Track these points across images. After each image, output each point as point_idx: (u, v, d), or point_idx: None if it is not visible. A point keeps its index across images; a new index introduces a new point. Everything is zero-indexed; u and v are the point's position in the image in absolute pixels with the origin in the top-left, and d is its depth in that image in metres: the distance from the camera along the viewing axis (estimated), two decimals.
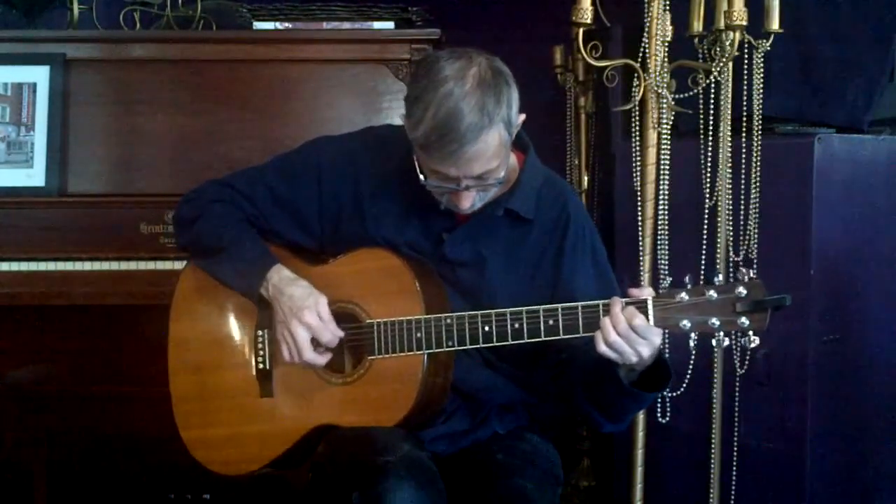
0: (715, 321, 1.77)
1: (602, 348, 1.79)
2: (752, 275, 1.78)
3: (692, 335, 1.79)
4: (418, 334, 1.92)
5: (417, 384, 1.92)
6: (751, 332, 1.77)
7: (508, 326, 1.87)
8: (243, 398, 2.08)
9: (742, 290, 1.76)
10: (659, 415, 2.67)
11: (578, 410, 2.00)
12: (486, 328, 1.88)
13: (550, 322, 1.84)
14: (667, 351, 2.65)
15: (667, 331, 1.86)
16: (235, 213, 2.09)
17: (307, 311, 1.95)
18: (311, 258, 2.08)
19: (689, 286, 1.79)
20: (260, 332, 2.07)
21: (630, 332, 1.77)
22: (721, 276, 1.80)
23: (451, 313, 1.91)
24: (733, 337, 1.79)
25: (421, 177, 1.91)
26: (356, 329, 1.98)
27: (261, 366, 2.07)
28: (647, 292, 1.81)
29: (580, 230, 2.04)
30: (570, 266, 2.01)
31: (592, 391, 1.93)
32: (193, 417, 2.13)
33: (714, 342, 1.79)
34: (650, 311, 1.79)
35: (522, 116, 1.94)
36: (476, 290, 2.00)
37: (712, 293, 1.77)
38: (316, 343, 1.97)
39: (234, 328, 2.11)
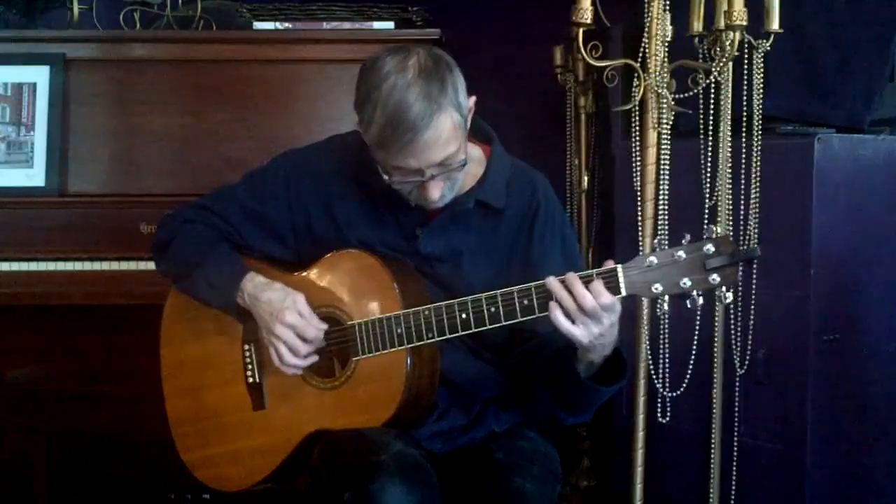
0: (686, 281, 1.76)
1: (560, 320, 1.77)
2: (718, 231, 1.77)
3: (665, 298, 1.79)
4: (398, 330, 1.92)
5: (403, 380, 1.92)
6: (723, 288, 1.76)
7: (485, 311, 1.87)
8: (237, 414, 2.09)
9: (710, 247, 1.75)
10: (659, 415, 2.67)
11: (539, 403, 2.01)
12: (464, 315, 1.88)
13: (525, 302, 1.84)
14: (668, 349, 2.65)
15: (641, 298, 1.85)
16: (208, 232, 2.10)
17: (287, 312, 1.96)
18: (289, 267, 2.09)
19: (657, 250, 1.79)
20: (247, 346, 2.08)
21: (596, 307, 1.76)
22: (688, 237, 1.79)
23: (429, 305, 1.92)
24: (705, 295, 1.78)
25: (385, 177, 1.91)
26: (339, 332, 1.99)
27: (250, 379, 2.08)
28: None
29: (549, 216, 2.05)
30: (540, 252, 2.02)
31: (553, 384, 1.94)
32: (191, 439, 2.14)
33: (688, 303, 1.78)
34: (621, 279, 1.79)
35: (472, 99, 1.95)
36: (454, 284, 2.00)
37: (681, 253, 1.76)
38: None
39: (222, 346, 2.11)
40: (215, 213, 2.11)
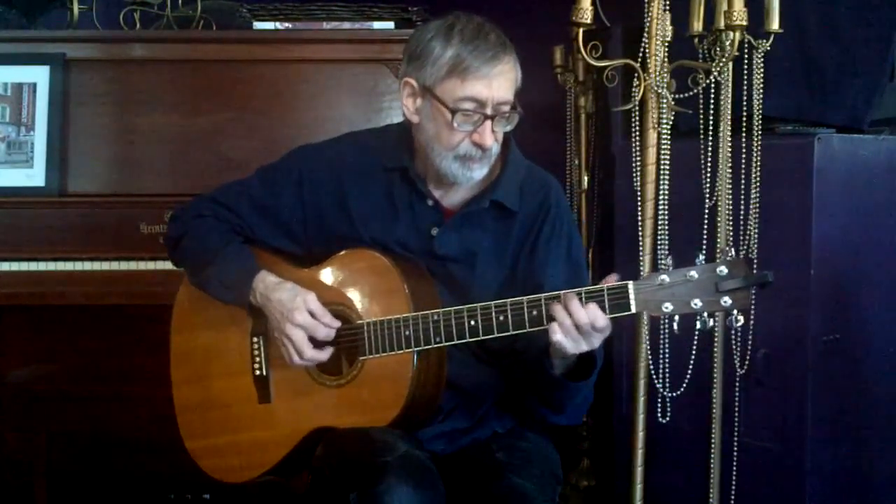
0: (697, 302, 1.75)
1: (557, 337, 1.79)
2: (732, 254, 1.76)
3: (676, 318, 1.78)
4: (406, 332, 1.92)
5: (408, 382, 1.92)
6: (734, 312, 1.75)
7: (493, 319, 1.86)
8: (243, 405, 2.09)
9: (723, 269, 1.74)
10: (659, 415, 2.67)
11: (528, 402, 2.02)
12: (472, 322, 1.88)
13: (534, 313, 1.84)
14: (668, 348, 2.65)
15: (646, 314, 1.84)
16: (219, 226, 2.10)
17: (297, 312, 1.96)
18: (300, 262, 2.09)
19: (670, 269, 1.78)
20: (255, 339, 2.08)
21: (589, 328, 1.78)
22: (702, 258, 1.78)
23: (438, 309, 1.92)
24: (717, 317, 1.77)
25: (447, 112, 1.90)
26: (348, 330, 1.99)
27: (257, 372, 2.08)
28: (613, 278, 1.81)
29: (558, 221, 2.05)
30: (544, 255, 2.02)
31: (533, 381, 1.96)
32: (196, 427, 2.14)
33: (699, 323, 1.77)
34: (631, 296, 1.78)
35: None
36: (467, 286, 2.00)
37: (693, 273, 1.75)
38: (314, 341, 1.97)
39: (232, 337, 2.11)
40: (227, 208, 2.11)
